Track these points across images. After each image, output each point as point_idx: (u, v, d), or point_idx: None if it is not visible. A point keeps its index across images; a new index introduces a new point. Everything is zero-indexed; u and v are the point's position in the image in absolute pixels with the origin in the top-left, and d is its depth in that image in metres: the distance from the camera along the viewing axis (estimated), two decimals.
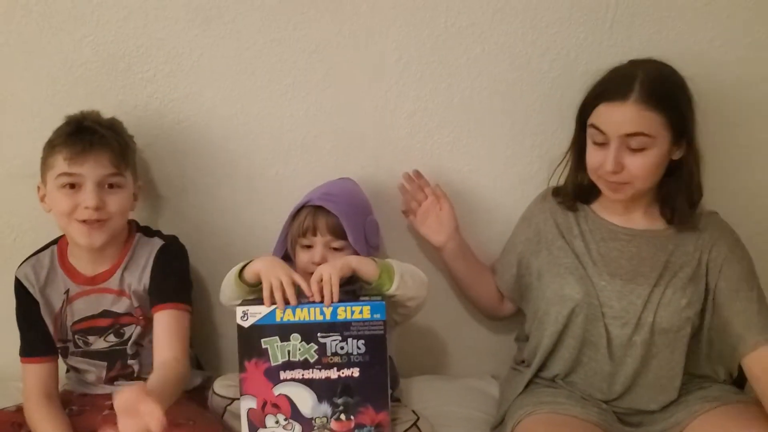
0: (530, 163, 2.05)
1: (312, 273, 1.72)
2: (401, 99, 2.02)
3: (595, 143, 1.73)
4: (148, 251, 1.84)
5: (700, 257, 1.77)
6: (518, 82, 2.00)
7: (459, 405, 1.99)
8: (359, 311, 1.60)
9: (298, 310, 1.60)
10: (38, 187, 1.81)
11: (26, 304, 1.83)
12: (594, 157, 1.74)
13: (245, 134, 2.03)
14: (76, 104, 1.92)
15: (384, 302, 1.61)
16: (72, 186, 1.72)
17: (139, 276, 1.82)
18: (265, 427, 1.64)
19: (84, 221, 1.73)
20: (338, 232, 1.77)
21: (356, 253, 1.77)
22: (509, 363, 2.03)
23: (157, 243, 1.86)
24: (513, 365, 2.01)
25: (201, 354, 2.06)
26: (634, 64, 1.76)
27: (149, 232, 1.90)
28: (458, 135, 2.04)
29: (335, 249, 1.79)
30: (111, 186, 1.76)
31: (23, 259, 1.86)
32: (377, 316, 1.60)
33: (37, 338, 1.83)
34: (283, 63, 1.99)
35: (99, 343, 1.85)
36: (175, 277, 1.84)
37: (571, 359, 1.83)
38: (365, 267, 1.67)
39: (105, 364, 1.86)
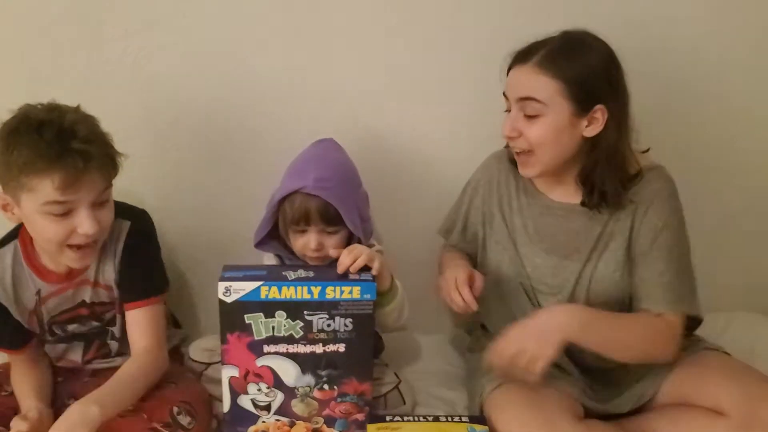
0: None
1: (310, 256, 1.71)
2: (377, 52, 1.98)
3: (506, 111, 1.69)
4: (116, 236, 1.68)
5: (632, 223, 1.69)
6: (502, 31, 1.85)
7: (432, 361, 2.06)
8: (349, 291, 1.54)
9: (284, 288, 1.53)
10: None
11: None
12: (504, 125, 1.68)
13: (221, 87, 1.97)
14: (43, 58, 1.88)
15: (375, 282, 1.57)
16: (63, 213, 1.52)
17: (114, 265, 1.69)
18: (247, 393, 1.62)
19: (79, 246, 1.58)
20: (333, 219, 1.67)
21: (351, 234, 1.72)
22: None
23: (124, 226, 1.69)
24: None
25: (177, 311, 2.04)
26: (562, 33, 1.65)
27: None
28: (438, 87, 2.02)
29: (330, 233, 1.71)
30: (102, 203, 1.58)
31: None
32: (367, 296, 1.55)
33: (7, 335, 1.71)
34: (258, 12, 1.93)
35: (77, 328, 1.75)
36: (145, 268, 1.72)
37: None
38: (386, 275, 1.65)
39: (82, 344, 1.77)
